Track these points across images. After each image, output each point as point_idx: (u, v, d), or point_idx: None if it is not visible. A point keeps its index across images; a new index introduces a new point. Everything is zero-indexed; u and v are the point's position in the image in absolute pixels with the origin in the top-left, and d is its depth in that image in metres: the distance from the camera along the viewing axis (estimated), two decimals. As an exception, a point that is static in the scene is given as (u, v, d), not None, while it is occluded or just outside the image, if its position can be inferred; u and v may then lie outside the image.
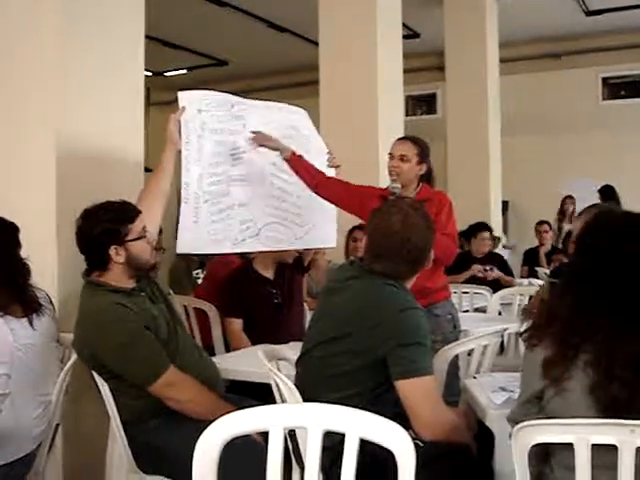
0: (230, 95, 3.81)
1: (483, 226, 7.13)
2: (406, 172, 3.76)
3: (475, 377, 2.96)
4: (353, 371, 2.44)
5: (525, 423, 1.79)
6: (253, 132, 3.81)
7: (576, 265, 2.06)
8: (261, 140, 3.82)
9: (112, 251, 2.84)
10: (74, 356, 2.88)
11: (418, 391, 2.37)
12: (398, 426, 1.67)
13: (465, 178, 8.90)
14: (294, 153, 3.88)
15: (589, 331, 1.86)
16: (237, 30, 9.87)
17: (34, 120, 3.47)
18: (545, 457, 1.94)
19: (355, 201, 3.85)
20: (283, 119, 4.03)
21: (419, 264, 2.61)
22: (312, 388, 2.48)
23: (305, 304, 4.67)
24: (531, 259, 8.78)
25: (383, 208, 2.69)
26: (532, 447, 1.79)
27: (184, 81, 11.40)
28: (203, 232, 3.57)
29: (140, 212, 2.95)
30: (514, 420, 1.95)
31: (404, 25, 7.01)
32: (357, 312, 2.48)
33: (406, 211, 2.57)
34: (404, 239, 2.52)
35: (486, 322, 4.52)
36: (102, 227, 2.83)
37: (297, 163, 3.88)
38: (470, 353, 3.30)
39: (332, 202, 4.03)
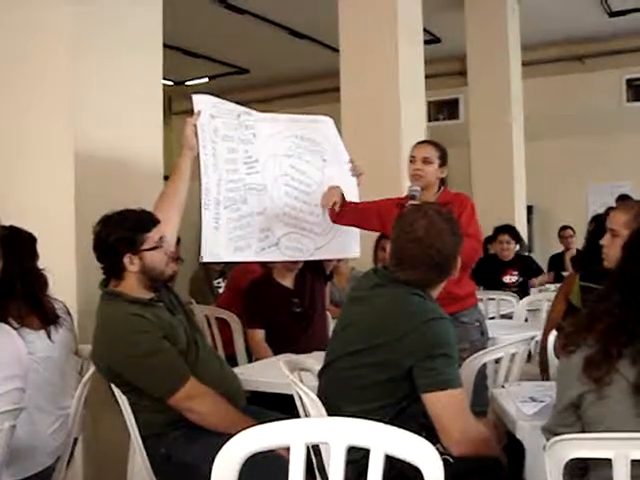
0: (236, 105, 3.76)
1: (503, 229, 6.94)
2: (429, 175, 3.71)
3: (503, 386, 2.87)
4: (378, 383, 2.36)
5: (560, 437, 1.71)
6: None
7: (626, 265, 2.00)
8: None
9: (126, 259, 2.78)
10: (93, 368, 2.83)
11: (446, 404, 2.28)
12: (425, 442, 1.59)
13: (489, 183, 8.80)
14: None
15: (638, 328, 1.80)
16: (257, 38, 9.84)
17: (52, 129, 3.46)
18: (582, 471, 1.86)
19: (374, 221, 3.84)
20: (291, 130, 3.97)
21: (445, 272, 2.51)
22: (335, 400, 2.41)
23: (328, 312, 4.61)
24: (557, 264, 8.68)
25: (407, 213, 2.60)
26: (568, 462, 1.71)
27: (205, 90, 11.38)
28: (225, 239, 3.52)
29: (159, 222, 2.89)
30: (550, 431, 1.88)
31: (425, 30, 6.93)
32: (382, 323, 2.39)
33: (431, 216, 2.47)
34: (428, 246, 2.42)
35: (513, 329, 4.44)
36: (117, 234, 2.77)
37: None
38: (497, 361, 3.22)
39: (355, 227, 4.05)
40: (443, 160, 3.76)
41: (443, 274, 2.51)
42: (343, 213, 3.89)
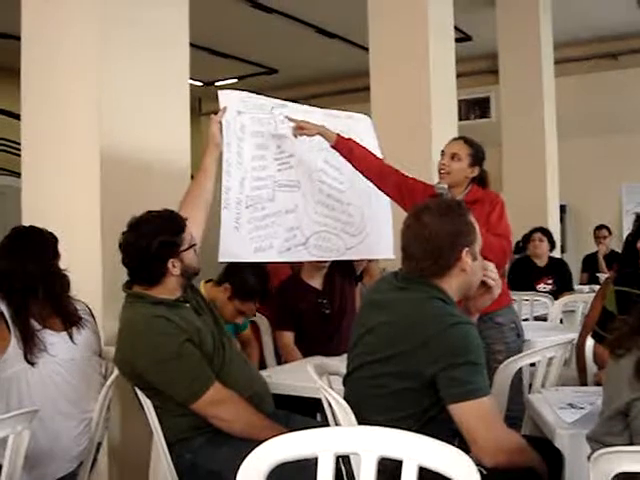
0: (270, 98, 3.66)
1: (537, 229, 6.84)
2: (455, 172, 3.56)
3: (540, 392, 2.77)
4: (402, 392, 2.24)
5: (607, 449, 1.60)
6: (288, 118, 3.61)
7: None
8: (300, 131, 3.61)
9: (170, 264, 2.70)
10: (117, 371, 2.76)
11: (475, 415, 2.14)
12: (462, 453, 1.49)
13: (521, 183, 8.65)
14: (340, 137, 3.66)
15: None
16: (286, 37, 9.80)
17: (79, 130, 3.44)
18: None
19: (391, 187, 3.72)
20: (328, 124, 3.85)
21: (442, 259, 2.33)
22: (361, 409, 2.29)
23: (358, 314, 4.52)
24: (591, 265, 8.53)
25: (411, 210, 2.50)
26: (614, 476, 1.60)
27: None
28: (245, 239, 3.42)
29: (186, 219, 2.83)
30: (596, 440, 1.78)
31: (455, 28, 6.83)
32: (402, 331, 2.26)
33: (428, 207, 2.39)
34: (417, 232, 2.33)
35: (548, 331, 4.35)
36: (159, 240, 2.67)
37: (344, 147, 3.68)
38: (532, 365, 3.11)
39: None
40: (475, 159, 3.59)
41: (441, 261, 2.33)
42: (377, 175, 3.74)
